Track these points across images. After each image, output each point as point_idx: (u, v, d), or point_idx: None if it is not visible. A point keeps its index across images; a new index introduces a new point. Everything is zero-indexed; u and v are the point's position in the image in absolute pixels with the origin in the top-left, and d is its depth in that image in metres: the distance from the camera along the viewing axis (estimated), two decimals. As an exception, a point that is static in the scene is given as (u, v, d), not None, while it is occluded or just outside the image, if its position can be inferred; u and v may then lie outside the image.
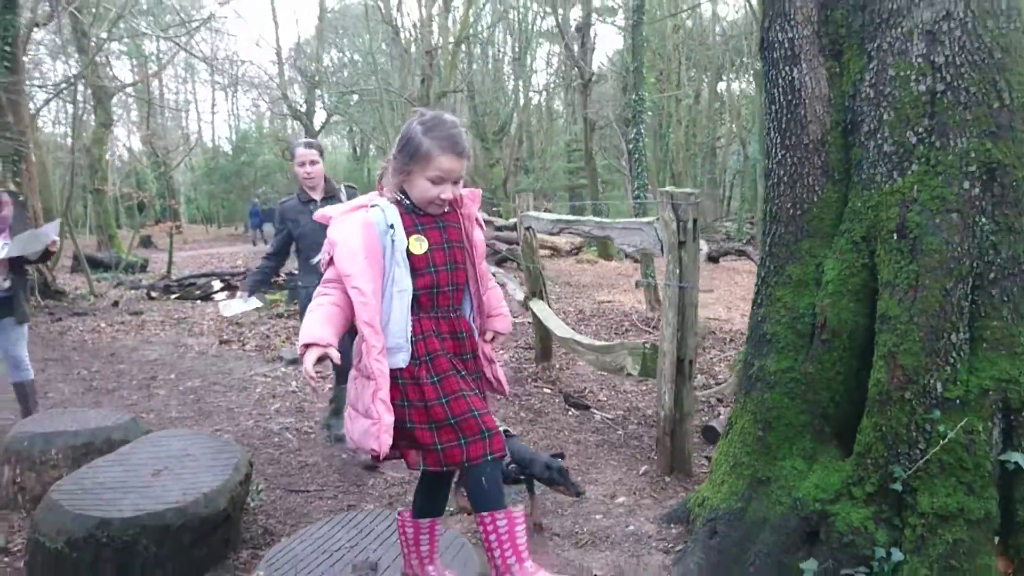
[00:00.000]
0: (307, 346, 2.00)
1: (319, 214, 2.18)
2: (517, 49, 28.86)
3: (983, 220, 2.55)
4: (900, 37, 2.67)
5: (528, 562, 2.14)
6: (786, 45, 2.97)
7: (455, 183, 2.11)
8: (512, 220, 8.18)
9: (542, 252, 17.21)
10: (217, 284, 11.95)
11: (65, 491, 3.19)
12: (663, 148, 22.34)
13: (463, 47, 24.79)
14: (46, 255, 4.74)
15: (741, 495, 3.00)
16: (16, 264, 4.62)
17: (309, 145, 4.71)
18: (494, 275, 9.41)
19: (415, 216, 2.12)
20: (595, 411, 5.58)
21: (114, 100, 21.76)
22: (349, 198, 4.17)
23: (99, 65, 17.96)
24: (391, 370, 2.05)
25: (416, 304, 2.10)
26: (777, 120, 3.04)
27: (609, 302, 11.35)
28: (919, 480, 2.56)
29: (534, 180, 31.24)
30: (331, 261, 2.06)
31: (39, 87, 17.86)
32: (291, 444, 4.93)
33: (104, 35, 16.68)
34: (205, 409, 5.76)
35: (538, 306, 6.60)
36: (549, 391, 6.18)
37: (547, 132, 33.86)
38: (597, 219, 5.21)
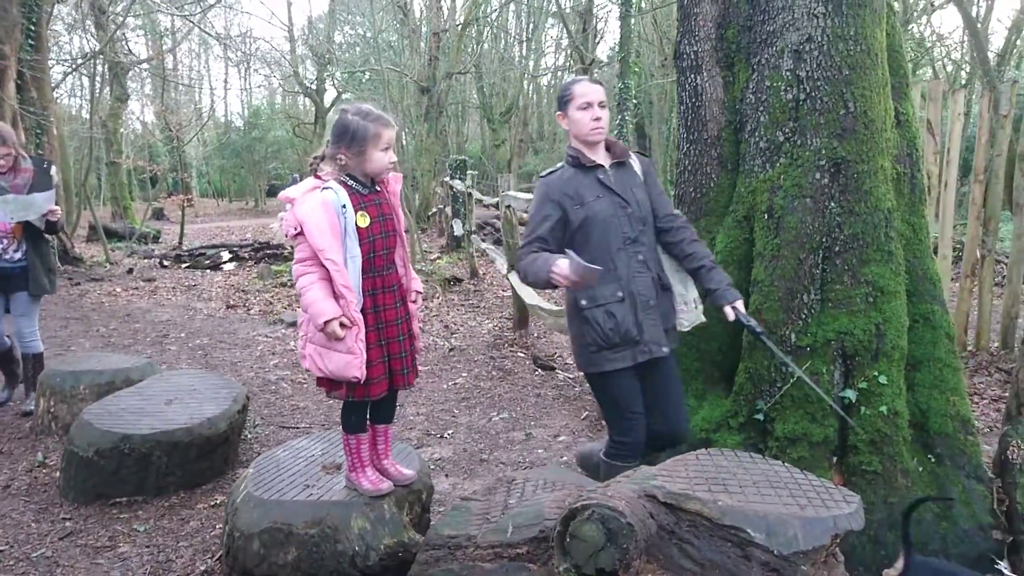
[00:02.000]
0: (327, 322, 2.59)
1: (283, 194, 2.80)
2: (527, 30, 29.27)
3: (832, 204, 3.17)
4: (775, 54, 3.28)
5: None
6: (692, 57, 3.59)
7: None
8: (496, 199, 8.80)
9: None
10: (226, 255, 12.63)
11: (94, 413, 3.88)
12: (668, 131, 22.84)
13: (471, 29, 25.25)
14: (52, 226, 4.63)
15: (646, 427, 3.65)
16: (31, 233, 4.58)
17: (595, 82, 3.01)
18: (485, 252, 9.99)
19: (359, 196, 2.71)
20: (559, 371, 6.23)
21: (129, 74, 22.38)
22: None
23: (115, 41, 18.57)
24: None
25: (361, 266, 2.69)
26: (684, 119, 3.66)
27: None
28: (776, 412, 3.21)
29: (541, 160, 31.77)
30: (297, 236, 2.68)
31: (57, 62, 18.54)
32: (286, 391, 5.62)
33: (120, 11, 17.32)
34: (211, 363, 6.45)
35: (515, 278, 7.23)
36: (522, 355, 6.83)
37: (553, 114, 34.28)
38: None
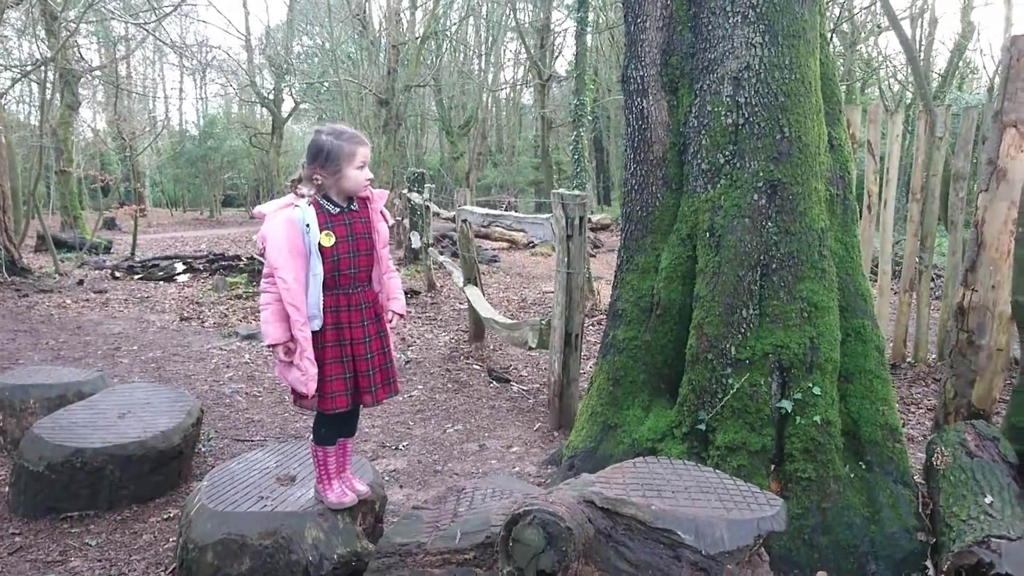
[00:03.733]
0: (272, 345, 2.72)
1: (256, 209, 2.87)
2: (486, 44, 29.50)
3: (769, 224, 3.33)
4: (715, 80, 3.44)
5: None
6: (638, 81, 3.74)
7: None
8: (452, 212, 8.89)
9: (501, 244, 17.97)
10: (180, 266, 12.50)
11: (45, 427, 3.86)
12: (621, 145, 23.21)
13: (431, 41, 25.37)
14: None
15: (595, 437, 3.78)
16: None
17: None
18: (442, 265, 10.03)
19: (328, 215, 2.76)
20: (514, 383, 6.34)
21: (81, 82, 22.01)
22: None
23: (67, 48, 18.27)
24: (312, 332, 2.75)
25: (324, 284, 2.76)
26: (631, 140, 3.81)
27: (552, 292, 12.12)
28: (717, 422, 3.35)
29: (500, 173, 31.98)
30: (262, 253, 2.77)
31: (6, 68, 18.17)
32: (240, 404, 5.62)
33: (72, 17, 17.04)
34: (165, 376, 6.41)
35: (471, 291, 7.34)
36: (478, 367, 6.92)
37: (513, 127, 34.58)
38: (516, 214, 5.96)
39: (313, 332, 2.76)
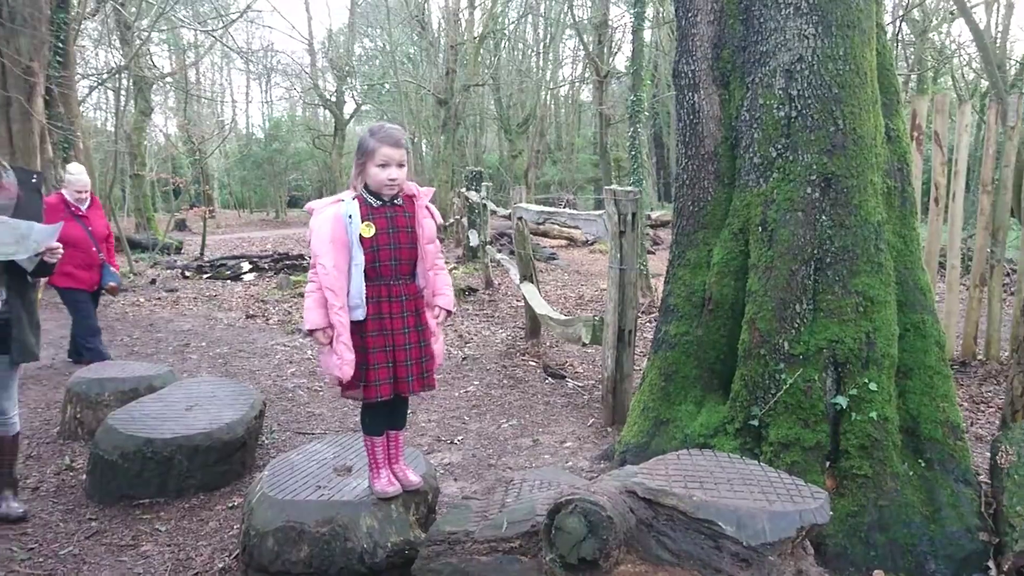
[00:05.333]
0: (311, 331, 2.83)
1: (308, 205, 2.98)
2: (544, 41, 29.52)
3: (822, 218, 3.29)
4: (768, 73, 3.41)
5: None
6: (689, 76, 3.72)
7: (399, 166, 2.85)
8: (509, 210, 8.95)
9: (560, 242, 17.98)
10: (246, 266, 12.88)
11: (118, 419, 4.06)
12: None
13: (489, 41, 25.53)
14: (45, 268, 3.40)
15: (647, 432, 3.78)
16: (14, 275, 3.36)
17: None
18: (500, 263, 10.10)
19: (370, 208, 2.88)
20: (569, 380, 6.36)
21: (153, 88, 22.85)
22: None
23: (140, 55, 18.99)
24: (354, 322, 2.84)
25: (365, 274, 2.86)
26: (683, 135, 3.80)
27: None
28: (770, 417, 3.32)
29: (559, 171, 31.96)
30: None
31: (84, 76, 18.98)
32: (302, 398, 5.79)
33: (145, 25, 17.71)
34: (231, 371, 6.64)
35: (527, 288, 7.38)
36: (534, 363, 6.96)
37: (572, 124, 34.52)
38: (570, 211, 5.98)
39: (357, 322, 2.85)
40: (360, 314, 2.85)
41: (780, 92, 3.36)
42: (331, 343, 2.81)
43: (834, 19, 3.27)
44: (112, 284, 6.22)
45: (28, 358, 3.46)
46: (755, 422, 3.36)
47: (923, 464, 3.25)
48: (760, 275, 3.37)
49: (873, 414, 3.16)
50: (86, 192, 6.17)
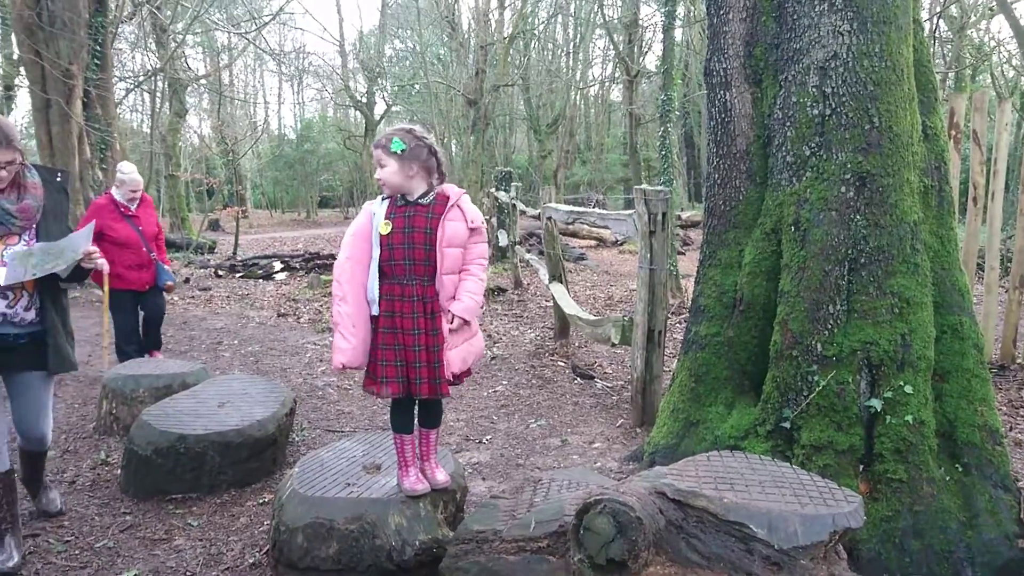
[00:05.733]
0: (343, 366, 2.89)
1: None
2: (573, 41, 29.46)
3: (857, 217, 3.23)
4: (801, 71, 3.36)
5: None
6: (721, 74, 3.69)
7: (381, 166, 2.88)
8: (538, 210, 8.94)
9: (589, 242, 17.93)
10: (278, 265, 13.02)
11: (152, 415, 4.12)
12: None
13: (519, 41, 25.52)
14: (82, 273, 3.20)
15: (676, 434, 3.75)
16: (47, 282, 3.15)
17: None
18: (529, 263, 10.08)
19: (393, 207, 2.91)
20: (598, 380, 6.33)
21: (188, 90, 23.20)
22: None
23: (175, 58, 19.30)
24: (372, 316, 2.89)
25: (381, 271, 2.89)
26: (714, 133, 3.76)
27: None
28: (802, 420, 3.27)
29: (588, 171, 31.88)
30: None
31: (120, 79, 19.33)
32: (332, 396, 5.83)
33: (179, 28, 18.00)
34: (262, 368, 6.71)
35: (556, 288, 7.37)
36: (562, 363, 6.95)
37: (602, 124, 34.41)
38: (599, 211, 5.96)
39: (372, 317, 2.92)
40: (375, 309, 2.90)
41: (814, 89, 3.32)
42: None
43: (870, 15, 3.22)
44: (169, 283, 6.09)
45: (66, 367, 3.26)
46: (787, 424, 3.32)
47: (960, 469, 3.18)
48: (793, 275, 3.33)
49: (909, 417, 3.10)
50: (139, 191, 6.00)
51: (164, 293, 6.16)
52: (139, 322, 6.06)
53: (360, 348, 2.90)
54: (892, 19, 3.23)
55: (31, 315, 3.12)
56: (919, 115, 3.37)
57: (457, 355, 2.96)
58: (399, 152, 2.86)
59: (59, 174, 3.28)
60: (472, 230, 2.95)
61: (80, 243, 3.11)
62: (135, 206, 5.97)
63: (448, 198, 2.94)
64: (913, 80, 3.33)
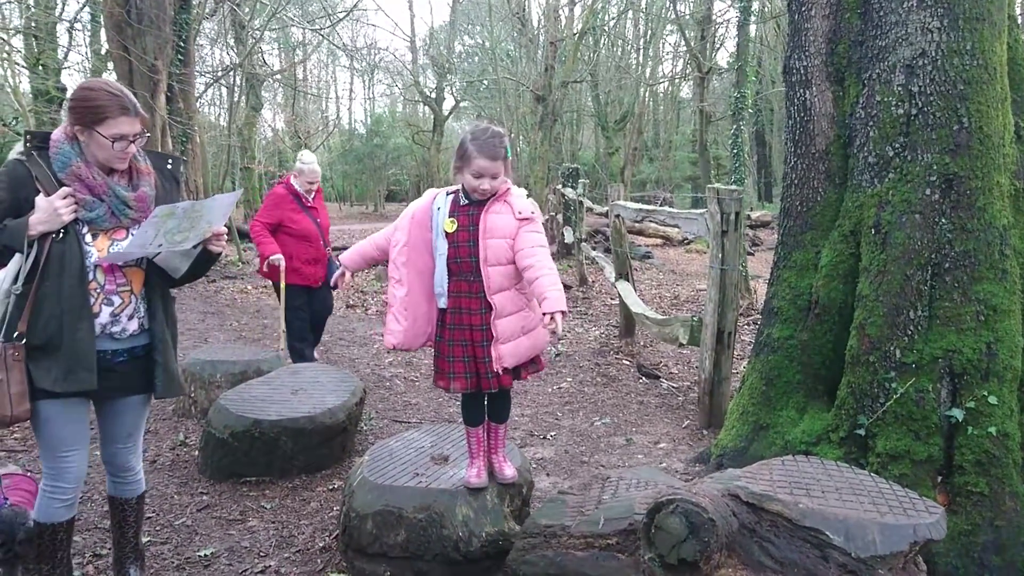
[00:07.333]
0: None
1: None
2: (644, 37, 29.16)
3: (942, 220, 3.13)
4: (886, 69, 3.27)
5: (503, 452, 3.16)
6: (801, 72, 3.61)
7: (493, 178, 2.82)
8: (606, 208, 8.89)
9: (655, 241, 17.75)
10: (347, 257, 13.26)
11: (229, 399, 4.26)
12: (784, 139, 22.23)
13: (588, 36, 25.40)
14: (204, 263, 2.61)
15: (745, 437, 3.70)
16: (155, 285, 2.56)
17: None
18: (595, 260, 10.05)
19: (457, 204, 2.90)
20: (663, 380, 6.28)
21: (263, 85, 23.82)
22: None
23: (253, 54, 19.84)
24: (440, 309, 2.92)
25: (448, 267, 2.90)
26: (792, 133, 3.69)
27: (705, 289, 11.86)
28: (878, 427, 3.19)
29: (656, 169, 31.54)
30: None
31: (201, 74, 19.97)
32: (399, 387, 5.93)
33: (257, 25, 18.49)
34: (332, 358, 6.86)
35: (623, 286, 7.33)
36: (628, 362, 6.91)
37: (671, 121, 33.99)
38: (669, 209, 5.90)
39: (440, 310, 2.94)
40: (443, 303, 2.92)
41: (899, 88, 3.22)
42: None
43: (961, 11, 3.11)
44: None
45: (175, 391, 2.68)
46: (861, 431, 3.24)
47: (1046, 484, 3.06)
48: (872, 279, 3.24)
49: (992, 429, 2.99)
50: (316, 182, 5.67)
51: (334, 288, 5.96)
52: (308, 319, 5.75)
53: (411, 331, 2.93)
54: (985, 15, 3.11)
55: (133, 325, 2.50)
56: (1012, 115, 3.25)
57: (508, 349, 2.86)
58: (508, 158, 2.87)
59: (170, 160, 2.74)
60: (522, 220, 2.84)
61: (219, 213, 2.48)
62: (312, 197, 5.69)
63: (499, 194, 2.88)
64: (1006, 79, 3.21)
